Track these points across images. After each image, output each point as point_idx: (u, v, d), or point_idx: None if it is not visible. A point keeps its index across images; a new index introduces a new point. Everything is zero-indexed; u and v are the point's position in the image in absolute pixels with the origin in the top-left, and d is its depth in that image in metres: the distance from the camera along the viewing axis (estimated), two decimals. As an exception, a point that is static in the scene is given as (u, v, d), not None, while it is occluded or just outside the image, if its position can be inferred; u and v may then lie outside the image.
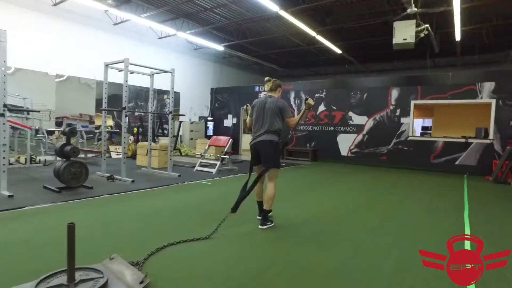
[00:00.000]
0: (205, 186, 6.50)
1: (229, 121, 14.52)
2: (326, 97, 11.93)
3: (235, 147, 13.99)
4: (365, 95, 11.14)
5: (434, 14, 9.27)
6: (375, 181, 8.01)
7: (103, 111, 6.98)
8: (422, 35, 8.39)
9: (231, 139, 8.50)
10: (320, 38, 10.74)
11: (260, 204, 3.97)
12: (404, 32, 8.42)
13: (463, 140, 9.53)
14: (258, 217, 4.01)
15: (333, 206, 5.23)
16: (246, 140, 15.46)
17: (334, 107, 11.78)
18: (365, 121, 11.11)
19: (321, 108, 12.03)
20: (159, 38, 12.33)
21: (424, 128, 15.56)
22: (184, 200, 5.31)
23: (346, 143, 11.55)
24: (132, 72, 7.45)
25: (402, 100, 10.42)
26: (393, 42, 8.63)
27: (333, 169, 10.00)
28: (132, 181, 6.40)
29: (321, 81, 13.03)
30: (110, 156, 10.46)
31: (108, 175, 6.70)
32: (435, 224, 4.28)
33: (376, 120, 10.89)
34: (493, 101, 9.12)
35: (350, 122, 11.44)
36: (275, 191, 3.78)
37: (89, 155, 9.71)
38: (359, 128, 11.24)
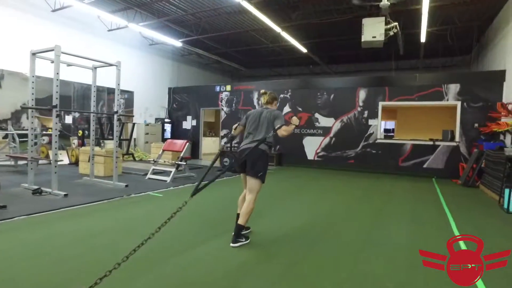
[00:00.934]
0: (155, 199, 5.52)
1: (188, 123, 13.48)
2: (291, 98, 11.34)
3: (195, 151, 12.99)
4: (332, 96, 10.68)
5: (402, 14, 9.00)
6: (347, 188, 7.49)
7: (30, 110, 5.75)
8: (391, 33, 8.02)
9: (188, 143, 7.55)
10: (285, 35, 10.11)
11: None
12: (374, 30, 8.00)
13: (431, 142, 9.34)
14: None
15: (310, 220, 4.59)
16: (207, 144, 14.49)
17: (300, 109, 11.21)
18: (332, 123, 10.64)
19: (286, 109, 11.41)
20: (109, 30, 11.04)
21: (386, 130, 15.52)
22: (126, 219, 4.32)
23: (312, 146, 11.01)
24: (69, 65, 6.29)
25: (370, 101, 10.07)
26: (362, 39, 8.19)
27: (301, 174, 9.37)
28: (65, 195, 5.27)
29: (286, 80, 12.46)
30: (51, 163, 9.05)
31: (35, 187, 5.50)
32: (428, 235, 3.91)
33: (344, 122, 10.46)
34: (458, 103, 9.00)
35: (317, 124, 10.93)
36: (253, 206, 3.45)
37: (20, 162, 8.26)
38: (326, 131, 10.74)
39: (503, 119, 7.97)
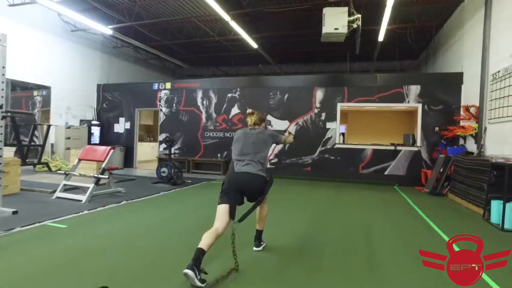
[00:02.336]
0: (54, 233, 3.81)
1: (121, 126, 11.49)
2: (241, 98, 10.08)
3: (129, 158, 11.08)
4: (286, 96, 9.62)
5: (361, 7, 8.26)
6: (310, 199, 6.43)
7: None
8: (354, 25, 7.17)
9: (112, 150, 5.83)
10: (234, 25, 8.82)
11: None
12: (336, 21, 7.08)
13: (392, 147, 8.70)
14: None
15: (280, 242, 3.50)
16: (143, 150, 12.63)
17: (250, 110, 9.96)
18: (286, 126, 9.57)
19: (235, 110, 10.13)
20: (10, 5, 8.68)
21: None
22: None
23: (264, 152, 9.83)
24: None
25: (328, 103, 9.19)
26: (323, 31, 7.23)
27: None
28: None
29: (235, 78, 11.19)
30: None
31: None
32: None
33: (299, 125, 9.44)
34: (419, 106, 8.48)
35: (269, 127, 9.77)
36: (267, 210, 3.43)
37: None
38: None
39: (466, 123, 7.54)
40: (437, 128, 8.31)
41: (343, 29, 7.08)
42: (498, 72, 6.30)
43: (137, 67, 14.17)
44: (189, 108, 10.47)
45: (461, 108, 7.63)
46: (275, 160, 9.64)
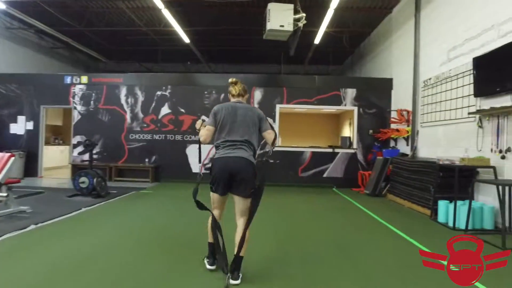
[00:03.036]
0: None
1: (19, 126, 9.43)
2: (172, 97, 9.12)
3: (31, 166, 9.16)
4: (222, 95, 9.00)
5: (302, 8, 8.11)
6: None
7: None
8: (300, 24, 6.93)
9: (12, 157, 4.47)
10: (167, 14, 7.85)
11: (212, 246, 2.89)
12: (281, 17, 6.74)
13: (331, 150, 8.76)
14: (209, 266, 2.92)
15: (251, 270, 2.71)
16: (51, 155, 10.69)
17: (183, 110, 9.10)
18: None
19: (165, 110, 9.12)
20: None
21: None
22: None
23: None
24: None
25: (267, 104, 8.84)
26: (268, 27, 6.83)
27: (189, 194, 7.25)
28: None
29: (165, 75, 10.10)
30: None
31: None
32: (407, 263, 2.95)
33: (238, 127, 8.91)
34: (355, 109, 8.71)
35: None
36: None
37: None
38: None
39: (398, 126, 7.94)
40: (371, 131, 8.63)
41: (289, 27, 6.79)
42: (430, 79, 6.69)
43: (41, 57, 11.87)
44: (111, 106, 9.08)
45: (395, 112, 7.99)
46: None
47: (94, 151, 7.42)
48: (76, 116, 9.19)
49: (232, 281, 2.60)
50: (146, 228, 4.39)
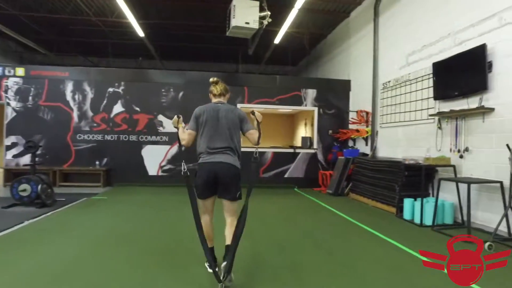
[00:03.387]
0: None
1: None
2: (125, 94, 8.45)
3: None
4: (181, 94, 8.56)
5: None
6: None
7: None
8: (265, 22, 6.79)
9: None
10: (121, 3, 7.20)
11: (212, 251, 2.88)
12: (247, 14, 6.56)
13: (292, 150, 8.78)
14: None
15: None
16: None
17: (137, 108, 8.48)
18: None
19: (118, 108, 8.42)
20: None
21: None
22: None
23: (155, 158, 8.49)
24: None
25: (228, 102, 8.57)
26: (233, 24, 6.60)
27: (148, 199, 6.76)
28: None
29: (118, 70, 9.30)
30: None
31: None
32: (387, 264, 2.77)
33: (198, 127, 8.53)
34: (315, 109, 8.83)
35: (161, 129, 8.51)
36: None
37: None
38: (173, 137, 8.44)
39: (358, 126, 8.20)
40: (330, 131, 8.81)
41: (254, 24, 6.63)
42: (389, 82, 6.99)
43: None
44: (54, 103, 8.14)
45: (355, 113, 8.23)
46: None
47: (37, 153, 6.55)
48: (9, 114, 8.09)
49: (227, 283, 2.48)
50: (109, 239, 3.91)
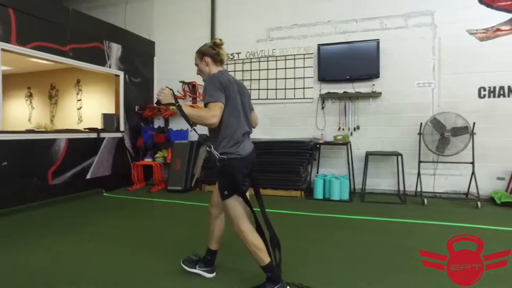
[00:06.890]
0: None
1: None
2: None
3: None
4: None
5: None
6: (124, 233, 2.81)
7: None
8: None
9: None
10: None
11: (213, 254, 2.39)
12: None
13: (95, 135, 5.47)
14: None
15: None
16: None
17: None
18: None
19: None
20: None
21: None
22: None
23: None
24: None
25: None
26: None
27: None
28: None
29: None
30: None
31: None
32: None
33: None
34: (121, 74, 6.01)
35: None
36: (250, 238, 2.08)
37: None
38: None
39: (185, 102, 6.54)
40: (137, 107, 6.42)
41: None
42: (239, 53, 6.23)
43: None
44: None
45: (187, 85, 6.44)
46: None
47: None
48: None
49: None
50: None
